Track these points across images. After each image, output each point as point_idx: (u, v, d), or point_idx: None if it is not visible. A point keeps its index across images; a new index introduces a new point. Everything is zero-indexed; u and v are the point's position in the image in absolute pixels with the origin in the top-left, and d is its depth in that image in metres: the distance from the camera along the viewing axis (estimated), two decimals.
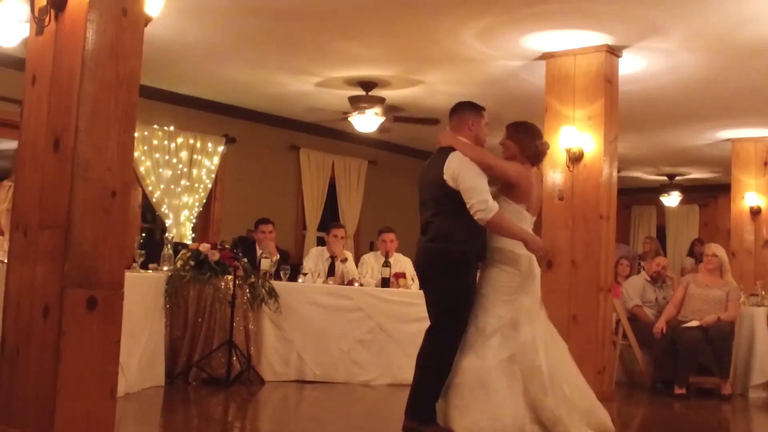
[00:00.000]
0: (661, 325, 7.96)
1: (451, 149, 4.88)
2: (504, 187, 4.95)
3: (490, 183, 4.83)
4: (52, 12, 4.00)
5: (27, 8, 4.21)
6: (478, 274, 4.95)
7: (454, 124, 5.05)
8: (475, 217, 4.70)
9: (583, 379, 4.96)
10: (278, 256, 8.03)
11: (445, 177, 4.78)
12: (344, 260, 8.44)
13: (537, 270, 4.93)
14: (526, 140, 5.03)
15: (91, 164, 3.86)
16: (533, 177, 5.02)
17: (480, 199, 4.68)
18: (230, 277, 6.96)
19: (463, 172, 4.75)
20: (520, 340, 4.74)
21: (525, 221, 4.92)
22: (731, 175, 10.94)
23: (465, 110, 5.07)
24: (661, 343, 7.91)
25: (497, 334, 4.77)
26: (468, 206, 4.71)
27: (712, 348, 7.74)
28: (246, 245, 8.19)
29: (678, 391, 7.60)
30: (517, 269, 4.84)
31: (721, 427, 7.00)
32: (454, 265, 4.80)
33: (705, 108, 9.45)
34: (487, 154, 4.89)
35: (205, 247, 7.04)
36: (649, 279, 8.67)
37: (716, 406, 7.43)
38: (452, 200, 4.78)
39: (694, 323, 7.84)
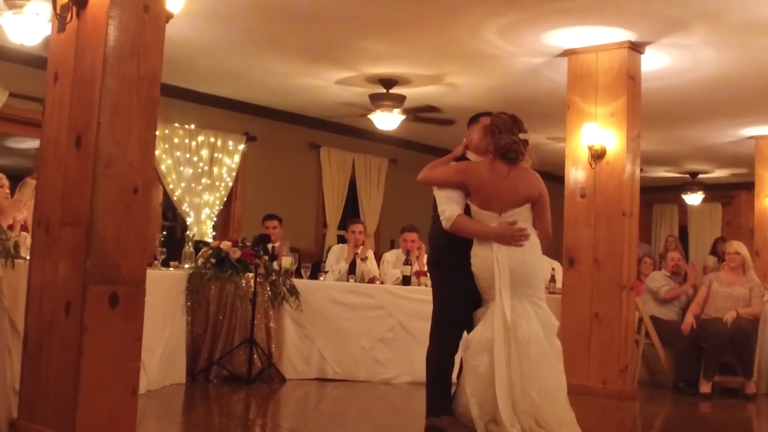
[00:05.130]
0: (689, 320, 7.90)
1: None
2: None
3: None
4: (74, 9, 4.02)
5: (49, 6, 4.23)
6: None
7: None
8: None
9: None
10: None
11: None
12: (365, 258, 8.43)
13: (501, 275, 4.71)
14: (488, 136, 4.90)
15: (113, 160, 3.87)
16: (482, 172, 4.82)
17: (440, 209, 4.87)
18: (251, 274, 6.97)
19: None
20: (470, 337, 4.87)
21: (491, 219, 4.79)
22: (755, 173, 10.85)
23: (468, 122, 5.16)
24: (683, 342, 7.84)
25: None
26: None
27: (735, 347, 7.65)
28: (266, 243, 8.16)
29: (704, 389, 7.51)
30: (477, 275, 4.83)
31: (745, 427, 6.92)
32: (433, 266, 5.10)
33: (728, 105, 9.37)
34: (433, 169, 4.97)
35: (226, 244, 7.05)
36: (669, 275, 8.62)
37: (740, 406, 7.34)
38: (435, 208, 5.00)
39: None
